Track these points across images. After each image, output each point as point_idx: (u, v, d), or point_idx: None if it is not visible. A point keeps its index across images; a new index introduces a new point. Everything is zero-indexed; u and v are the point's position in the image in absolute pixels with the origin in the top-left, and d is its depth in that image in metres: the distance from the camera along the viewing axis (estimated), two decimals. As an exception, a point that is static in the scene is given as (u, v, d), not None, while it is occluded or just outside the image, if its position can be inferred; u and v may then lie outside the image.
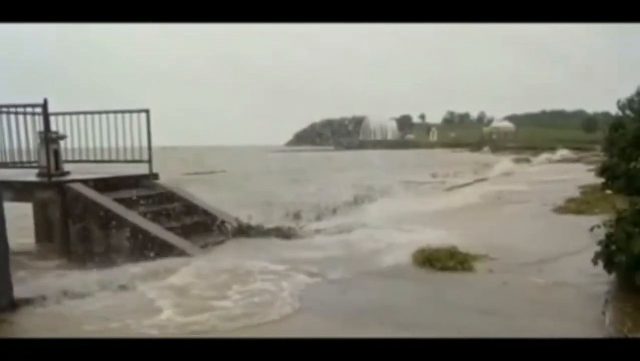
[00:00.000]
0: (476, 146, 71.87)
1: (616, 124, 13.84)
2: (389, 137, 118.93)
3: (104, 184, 7.58)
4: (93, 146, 8.42)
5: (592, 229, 5.13)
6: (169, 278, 5.54)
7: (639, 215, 4.86)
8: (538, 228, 8.48)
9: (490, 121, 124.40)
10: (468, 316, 4.39)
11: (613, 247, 4.84)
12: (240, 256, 6.48)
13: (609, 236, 4.94)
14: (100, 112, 8.10)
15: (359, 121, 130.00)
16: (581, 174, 18.15)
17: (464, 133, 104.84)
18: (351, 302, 4.84)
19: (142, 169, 8.46)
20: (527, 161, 34.68)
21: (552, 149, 47.05)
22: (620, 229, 4.85)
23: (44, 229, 8.07)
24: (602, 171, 13.41)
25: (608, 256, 4.86)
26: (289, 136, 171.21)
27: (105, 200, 7.11)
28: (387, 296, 5.03)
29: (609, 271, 4.91)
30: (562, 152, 42.93)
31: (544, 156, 39.40)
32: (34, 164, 7.73)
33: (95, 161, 8.72)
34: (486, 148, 65.10)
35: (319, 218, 9.81)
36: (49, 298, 4.74)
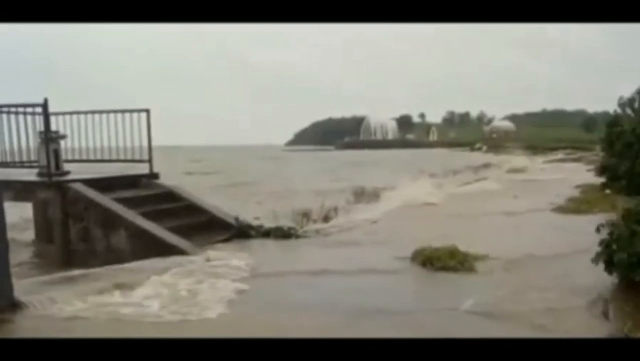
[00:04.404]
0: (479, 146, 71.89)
1: (613, 123, 13.75)
2: (390, 136, 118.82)
3: (104, 184, 7.58)
4: (93, 145, 8.44)
5: (598, 229, 5.11)
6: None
7: None
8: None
9: (490, 120, 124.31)
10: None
11: (614, 246, 4.84)
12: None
13: (610, 235, 4.94)
14: (100, 112, 8.11)
15: (359, 121, 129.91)
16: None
17: (464, 133, 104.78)
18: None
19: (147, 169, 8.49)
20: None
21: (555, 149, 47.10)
22: (625, 227, 4.83)
23: (44, 229, 8.07)
24: (602, 171, 13.38)
25: (609, 255, 4.86)
26: (289, 136, 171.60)
27: (105, 200, 7.11)
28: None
29: (610, 272, 4.90)
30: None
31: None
32: (34, 164, 7.73)
33: (96, 161, 8.72)
34: (485, 147, 64.85)
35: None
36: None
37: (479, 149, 66.57)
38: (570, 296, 4.73)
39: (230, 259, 6.19)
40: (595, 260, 4.94)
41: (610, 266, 4.88)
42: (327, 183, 17.28)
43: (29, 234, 8.07)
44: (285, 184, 18.03)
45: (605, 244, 4.92)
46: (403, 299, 4.97)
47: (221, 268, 5.84)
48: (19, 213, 8.11)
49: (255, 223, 8.20)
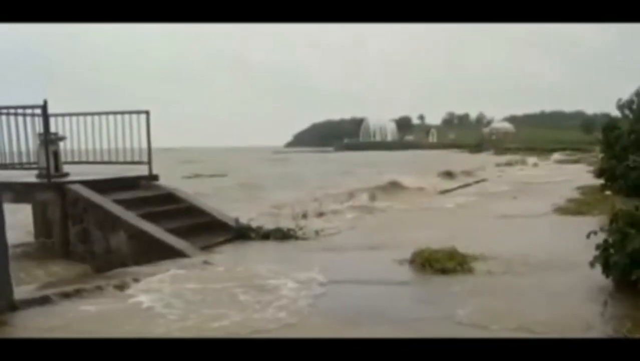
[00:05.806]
0: (478, 147, 72.00)
1: (609, 125, 13.84)
2: (389, 138, 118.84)
3: (103, 186, 7.57)
4: (93, 147, 8.43)
5: (588, 236, 5.12)
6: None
7: (635, 216, 4.87)
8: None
9: (489, 121, 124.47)
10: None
11: (610, 250, 4.86)
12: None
13: (606, 240, 4.95)
14: (100, 114, 8.10)
15: (358, 122, 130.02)
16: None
17: (463, 134, 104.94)
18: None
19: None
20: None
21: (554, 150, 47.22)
22: (617, 230, 4.85)
23: (43, 230, 8.05)
24: (601, 173, 13.41)
25: (605, 259, 4.87)
26: (288, 137, 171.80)
27: (104, 201, 7.11)
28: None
29: (607, 275, 4.91)
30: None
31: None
32: (34, 166, 7.73)
33: (95, 163, 8.72)
34: (491, 151, 64.71)
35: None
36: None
37: (479, 151, 66.55)
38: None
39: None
40: (592, 263, 4.95)
41: (607, 269, 4.89)
42: (326, 184, 17.33)
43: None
44: (284, 185, 18.13)
45: (603, 248, 4.93)
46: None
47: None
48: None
49: (254, 224, 8.21)
